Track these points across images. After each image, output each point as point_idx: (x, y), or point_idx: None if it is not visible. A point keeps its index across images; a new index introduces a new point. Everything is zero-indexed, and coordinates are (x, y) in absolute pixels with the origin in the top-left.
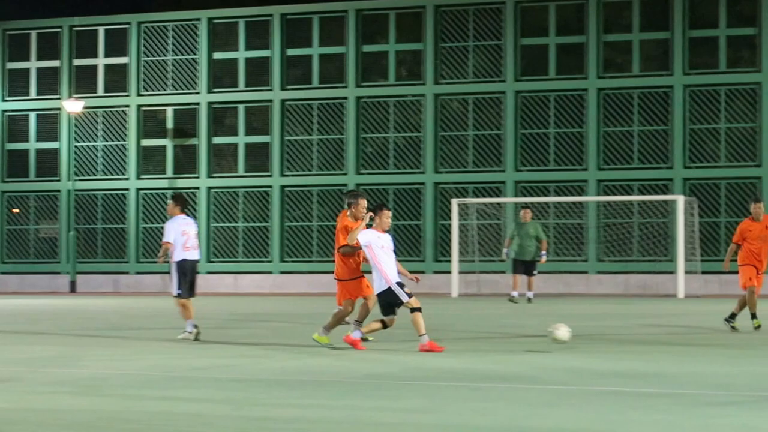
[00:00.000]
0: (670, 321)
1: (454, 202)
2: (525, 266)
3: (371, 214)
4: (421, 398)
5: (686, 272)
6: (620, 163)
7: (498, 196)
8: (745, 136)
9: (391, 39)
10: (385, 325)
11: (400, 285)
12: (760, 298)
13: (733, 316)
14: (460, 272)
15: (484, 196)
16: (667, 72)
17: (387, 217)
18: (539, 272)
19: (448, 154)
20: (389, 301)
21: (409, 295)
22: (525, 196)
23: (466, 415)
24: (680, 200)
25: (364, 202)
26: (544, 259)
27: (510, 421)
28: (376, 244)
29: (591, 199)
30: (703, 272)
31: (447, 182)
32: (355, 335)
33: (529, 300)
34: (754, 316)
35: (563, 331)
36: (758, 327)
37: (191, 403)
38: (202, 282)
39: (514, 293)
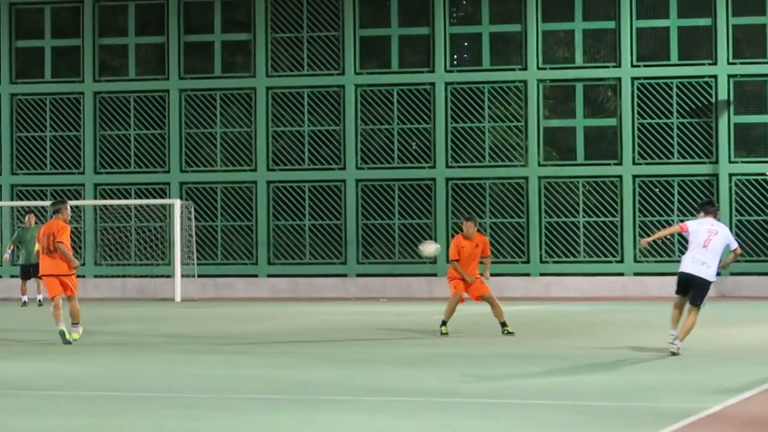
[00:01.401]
0: (165, 325)
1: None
2: (33, 270)
3: None
4: None
5: (183, 276)
6: (117, 167)
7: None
8: (240, 140)
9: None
10: None
11: None
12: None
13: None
14: None
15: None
16: (163, 76)
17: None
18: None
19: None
20: None
21: None
22: (21, 199)
23: None
24: (177, 204)
25: (68, 205)
26: None
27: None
28: None
29: (88, 203)
30: (200, 276)
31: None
32: None
33: (41, 303)
34: (444, 323)
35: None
36: (446, 334)
37: None
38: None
39: (25, 298)
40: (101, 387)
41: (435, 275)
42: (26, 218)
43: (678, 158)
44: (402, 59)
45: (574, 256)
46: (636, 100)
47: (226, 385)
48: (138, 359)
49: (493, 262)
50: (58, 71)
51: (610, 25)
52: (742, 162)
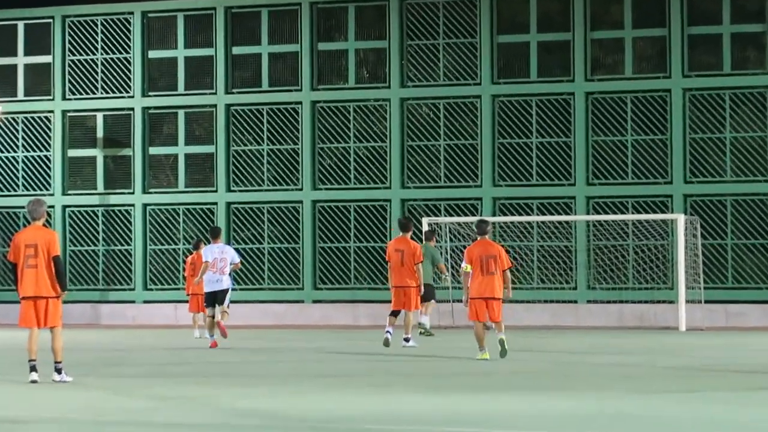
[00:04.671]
0: (668, 357)
1: (425, 221)
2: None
3: None
4: None
5: (688, 301)
6: (612, 177)
7: (474, 215)
8: (753, 146)
9: (350, 36)
10: None
11: None
12: None
13: None
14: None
15: (459, 215)
16: (664, 74)
17: None
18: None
19: (417, 167)
20: None
21: None
22: (504, 214)
23: None
24: (681, 219)
25: None
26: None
27: None
28: None
29: (579, 218)
30: (707, 301)
31: (416, 199)
32: None
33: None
34: None
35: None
36: None
37: None
38: (136, 312)
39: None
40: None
41: None
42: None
43: None
44: None
45: None
46: None
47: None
48: (639, 394)
49: None
50: (545, 69)
51: None
52: None
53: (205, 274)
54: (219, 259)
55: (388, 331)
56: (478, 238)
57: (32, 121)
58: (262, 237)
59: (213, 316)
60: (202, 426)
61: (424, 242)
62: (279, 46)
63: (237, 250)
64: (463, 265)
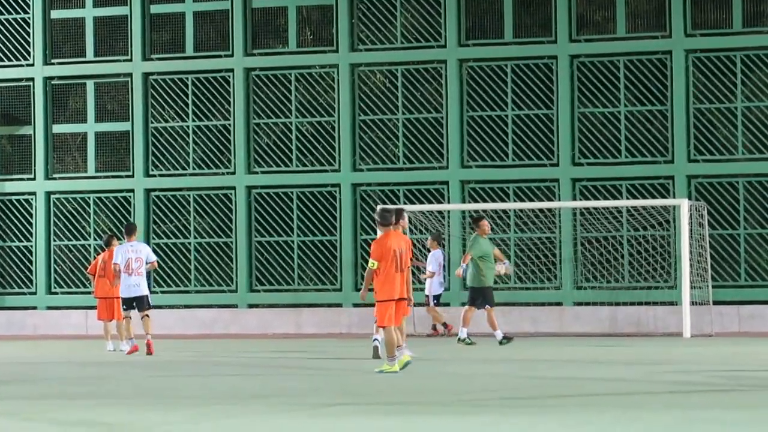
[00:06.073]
0: (670, 369)
1: (380, 209)
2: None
3: None
4: None
5: (693, 303)
6: (602, 156)
7: (440, 202)
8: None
9: None
10: None
11: None
12: None
13: None
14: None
15: (421, 202)
16: (663, 33)
17: None
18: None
19: (371, 145)
20: None
21: None
22: (475, 200)
23: None
24: (684, 205)
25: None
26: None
27: None
28: None
29: (564, 204)
30: (716, 303)
31: (370, 183)
32: None
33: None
34: None
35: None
36: None
37: None
38: (39, 321)
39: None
40: None
41: None
42: (482, 223)
43: None
44: None
45: None
46: None
47: None
48: (636, 414)
49: None
50: (522, 28)
51: None
52: None
53: (120, 277)
54: (133, 258)
55: (375, 339)
56: (388, 229)
57: None
58: (188, 230)
59: (129, 317)
60: None
61: (474, 234)
62: (206, 3)
63: (157, 246)
64: (371, 261)
